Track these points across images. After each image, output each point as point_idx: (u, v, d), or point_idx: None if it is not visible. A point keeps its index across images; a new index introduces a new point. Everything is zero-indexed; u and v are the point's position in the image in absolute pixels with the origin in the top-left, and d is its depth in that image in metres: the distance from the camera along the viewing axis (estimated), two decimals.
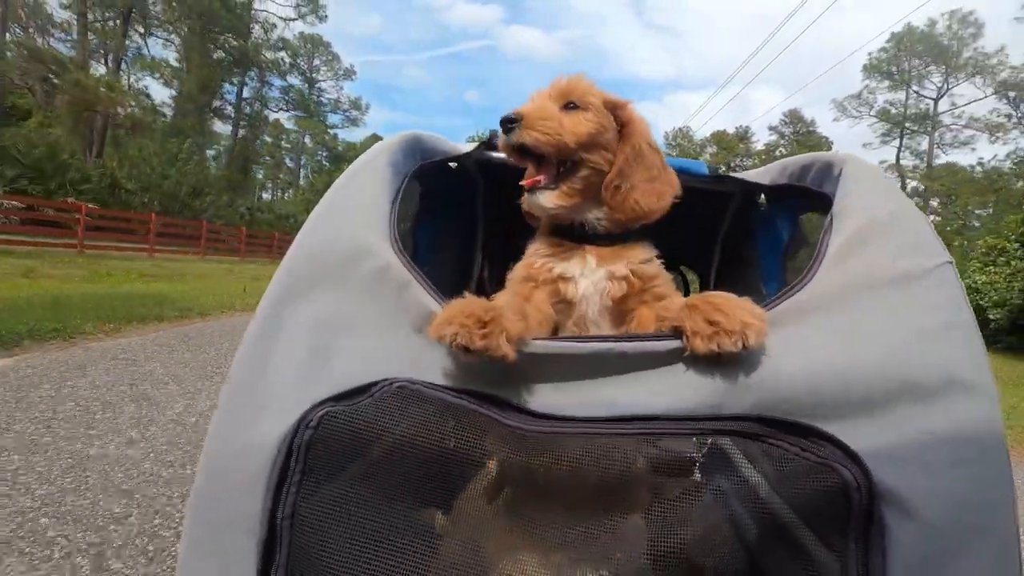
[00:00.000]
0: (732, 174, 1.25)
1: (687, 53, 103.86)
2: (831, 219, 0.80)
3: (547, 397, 0.65)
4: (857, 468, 0.58)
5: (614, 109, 0.94)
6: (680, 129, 51.05)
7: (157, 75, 29.07)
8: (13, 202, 14.02)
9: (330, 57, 45.81)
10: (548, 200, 0.91)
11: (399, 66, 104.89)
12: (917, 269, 0.69)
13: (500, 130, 0.88)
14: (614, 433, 0.63)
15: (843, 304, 0.68)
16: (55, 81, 23.48)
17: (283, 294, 0.76)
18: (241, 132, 37.88)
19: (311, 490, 0.63)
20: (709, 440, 0.67)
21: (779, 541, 0.60)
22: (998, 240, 13.26)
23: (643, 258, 0.92)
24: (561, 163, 0.92)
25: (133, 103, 25.00)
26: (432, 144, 1.07)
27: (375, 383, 0.66)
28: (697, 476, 0.68)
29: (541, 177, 0.91)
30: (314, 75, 45.14)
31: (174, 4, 27.94)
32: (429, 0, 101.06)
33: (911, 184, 35.19)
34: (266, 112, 40.66)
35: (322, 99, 45.70)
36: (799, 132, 45.70)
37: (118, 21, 26.45)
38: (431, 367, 0.67)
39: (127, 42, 28.00)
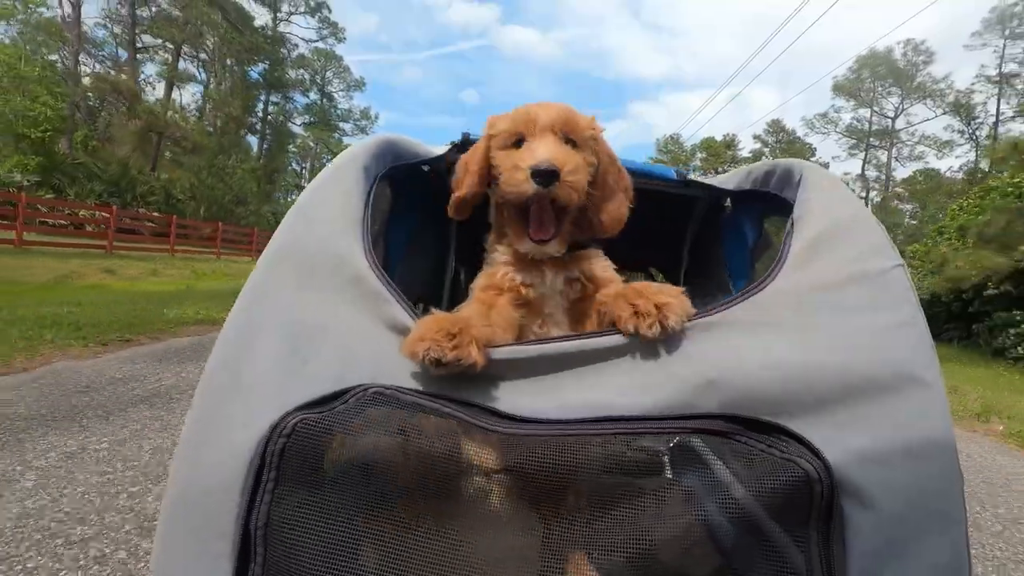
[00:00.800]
0: (698, 179, 1.30)
1: (685, 53, 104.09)
2: (792, 223, 0.84)
3: (520, 400, 0.66)
4: (818, 462, 0.59)
5: (593, 137, 0.95)
6: (671, 136, 54.58)
7: (208, 100, 32.55)
8: (104, 213, 17.01)
9: (341, 69, 48.83)
10: (554, 248, 0.92)
11: (396, 65, 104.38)
12: (873, 271, 0.73)
13: (534, 180, 0.84)
14: (587, 434, 0.63)
15: (804, 304, 0.70)
16: (111, 102, 26.73)
17: (258, 296, 0.75)
18: (266, 145, 41.15)
19: (285, 497, 0.62)
20: (676, 439, 0.66)
21: (747, 536, 0.61)
22: (922, 246, 16.41)
23: (596, 265, 0.96)
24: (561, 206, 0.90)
25: (193, 127, 28.32)
26: (406, 147, 1.06)
27: (350, 389, 0.66)
28: (668, 474, 0.68)
29: (551, 230, 0.91)
30: (327, 87, 48.13)
31: (223, 41, 31.20)
32: None
33: (876, 196, 38.84)
34: (289, 125, 43.76)
35: (336, 109, 48.72)
36: (780, 141, 49.11)
37: (169, 54, 29.88)
38: (406, 373, 0.68)
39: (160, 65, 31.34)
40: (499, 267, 0.98)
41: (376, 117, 52.30)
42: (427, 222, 1.46)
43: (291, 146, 48.08)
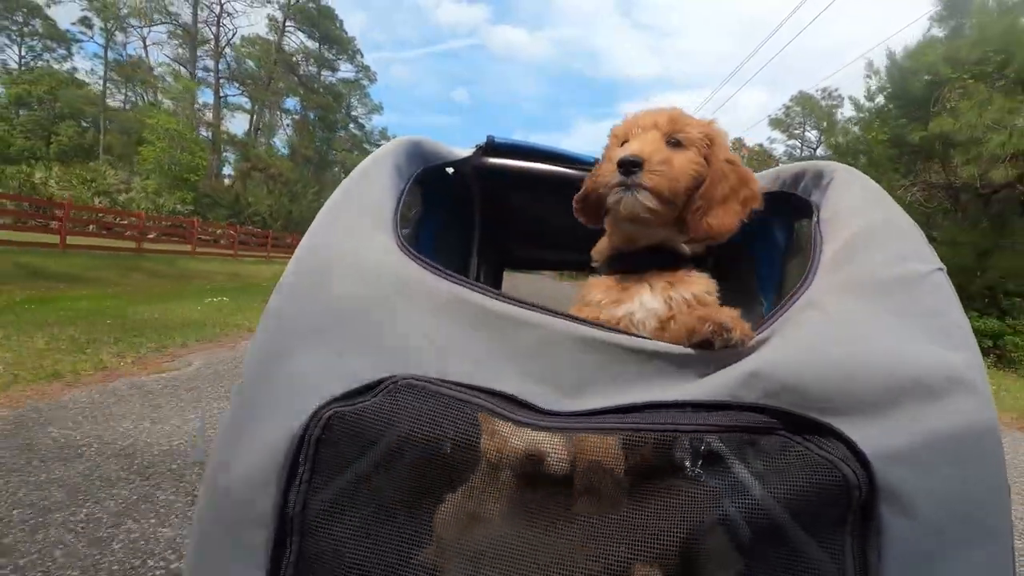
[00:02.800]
0: None
1: (674, 53, 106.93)
2: (817, 225, 0.83)
3: (557, 393, 0.65)
4: (859, 465, 0.57)
5: (707, 138, 0.91)
6: None
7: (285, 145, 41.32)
8: (232, 232, 24.94)
9: (364, 96, 57.28)
10: (649, 200, 0.85)
11: (386, 64, 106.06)
12: (913, 274, 0.71)
13: (619, 171, 0.83)
14: (618, 428, 0.62)
15: (844, 306, 0.68)
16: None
17: (295, 291, 0.76)
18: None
19: (321, 488, 0.64)
20: (703, 446, 0.65)
21: (775, 540, 0.59)
22: None
23: (705, 289, 0.91)
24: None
25: (288, 167, 36.99)
26: (432, 149, 1.08)
27: (382, 380, 0.66)
28: (690, 473, 0.66)
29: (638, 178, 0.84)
30: (351, 112, 56.56)
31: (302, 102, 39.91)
32: (420, 0, 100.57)
33: None
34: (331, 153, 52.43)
35: (367, 138, 57.24)
36: (743, 157, 57.52)
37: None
38: (440, 363, 0.67)
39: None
40: (594, 291, 0.93)
41: (394, 137, 60.76)
42: (451, 223, 1.49)
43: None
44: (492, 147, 1.21)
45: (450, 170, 1.30)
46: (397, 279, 0.73)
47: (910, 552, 0.57)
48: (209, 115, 38.41)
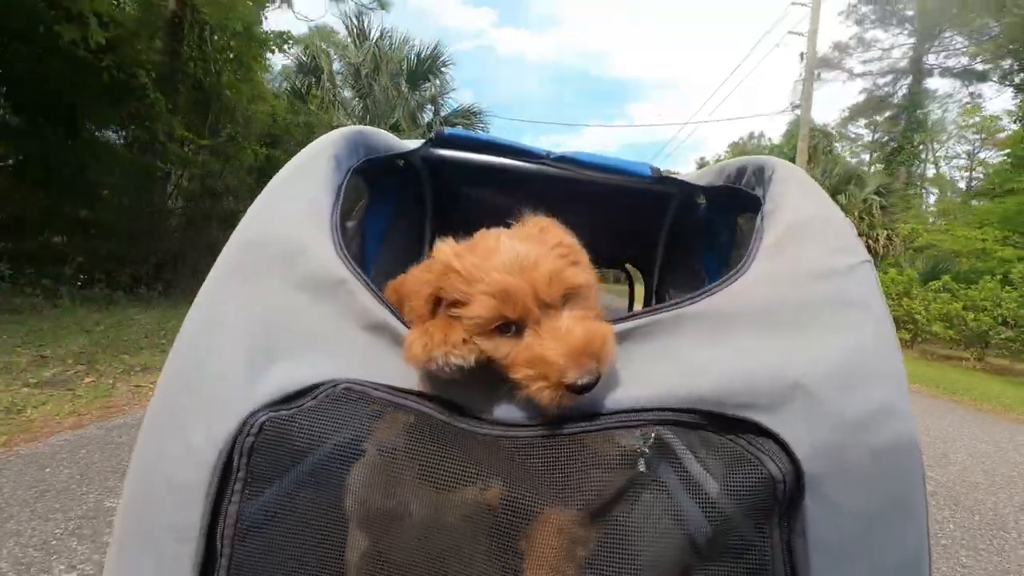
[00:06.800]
0: (673, 176, 1.26)
1: (680, 53, 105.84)
2: (762, 218, 0.82)
3: (496, 402, 0.63)
4: (785, 456, 0.58)
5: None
6: None
7: None
8: None
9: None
10: None
11: None
12: (842, 266, 0.71)
13: (568, 391, 0.59)
14: (562, 434, 0.60)
15: (773, 300, 0.68)
16: None
17: (222, 289, 0.71)
18: None
19: (254, 497, 0.59)
20: (653, 435, 0.62)
21: (717, 529, 0.60)
22: None
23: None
24: None
25: None
26: (377, 140, 1.02)
27: (319, 384, 0.62)
28: (641, 468, 0.63)
29: None
30: None
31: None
32: (424, 4, 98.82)
33: None
34: None
35: None
36: None
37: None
38: (378, 368, 0.64)
39: None
40: None
41: None
42: (403, 210, 1.46)
43: None
44: (442, 139, 1.18)
45: (400, 162, 1.28)
46: (330, 283, 0.68)
47: (835, 537, 0.58)
48: None
